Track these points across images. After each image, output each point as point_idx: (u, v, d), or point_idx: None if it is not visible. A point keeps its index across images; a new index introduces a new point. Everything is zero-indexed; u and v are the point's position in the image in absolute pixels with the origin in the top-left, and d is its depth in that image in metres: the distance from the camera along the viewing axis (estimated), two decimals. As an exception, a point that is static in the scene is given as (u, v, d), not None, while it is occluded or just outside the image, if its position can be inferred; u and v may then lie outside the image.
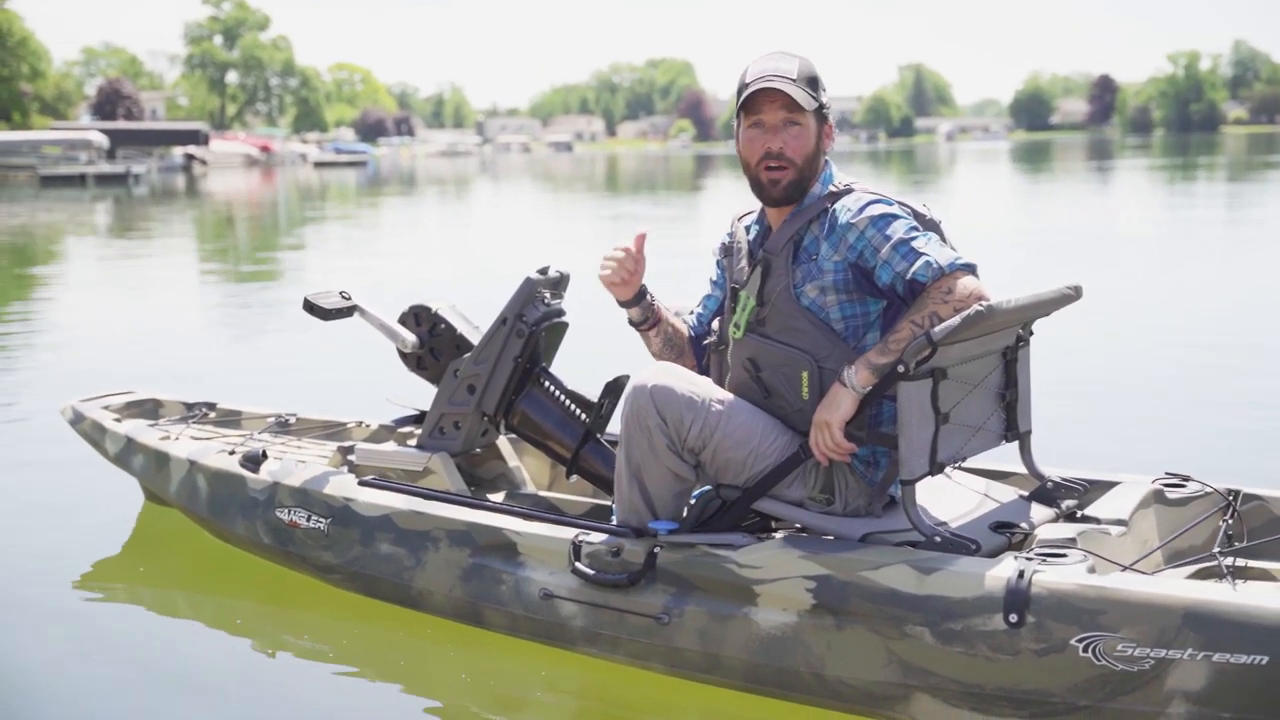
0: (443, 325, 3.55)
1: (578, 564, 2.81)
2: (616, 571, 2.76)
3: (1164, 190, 24.60)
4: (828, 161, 2.78)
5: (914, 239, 2.57)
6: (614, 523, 2.86)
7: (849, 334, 2.65)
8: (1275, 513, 2.86)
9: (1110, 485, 2.95)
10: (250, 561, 3.59)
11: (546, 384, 3.45)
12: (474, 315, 3.64)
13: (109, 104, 68.70)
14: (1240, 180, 27.31)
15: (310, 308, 3.48)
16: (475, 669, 2.97)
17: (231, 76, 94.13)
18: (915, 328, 2.50)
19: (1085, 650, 2.26)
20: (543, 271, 3.43)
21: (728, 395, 2.72)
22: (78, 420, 4.13)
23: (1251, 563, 2.76)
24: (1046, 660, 2.29)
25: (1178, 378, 6.28)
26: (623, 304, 2.98)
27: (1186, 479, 2.95)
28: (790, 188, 2.71)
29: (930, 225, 2.70)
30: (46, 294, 11.65)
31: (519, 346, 3.37)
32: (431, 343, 3.56)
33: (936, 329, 2.45)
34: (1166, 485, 2.92)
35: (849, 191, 2.70)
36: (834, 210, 2.67)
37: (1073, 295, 2.71)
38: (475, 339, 3.50)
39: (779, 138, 2.68)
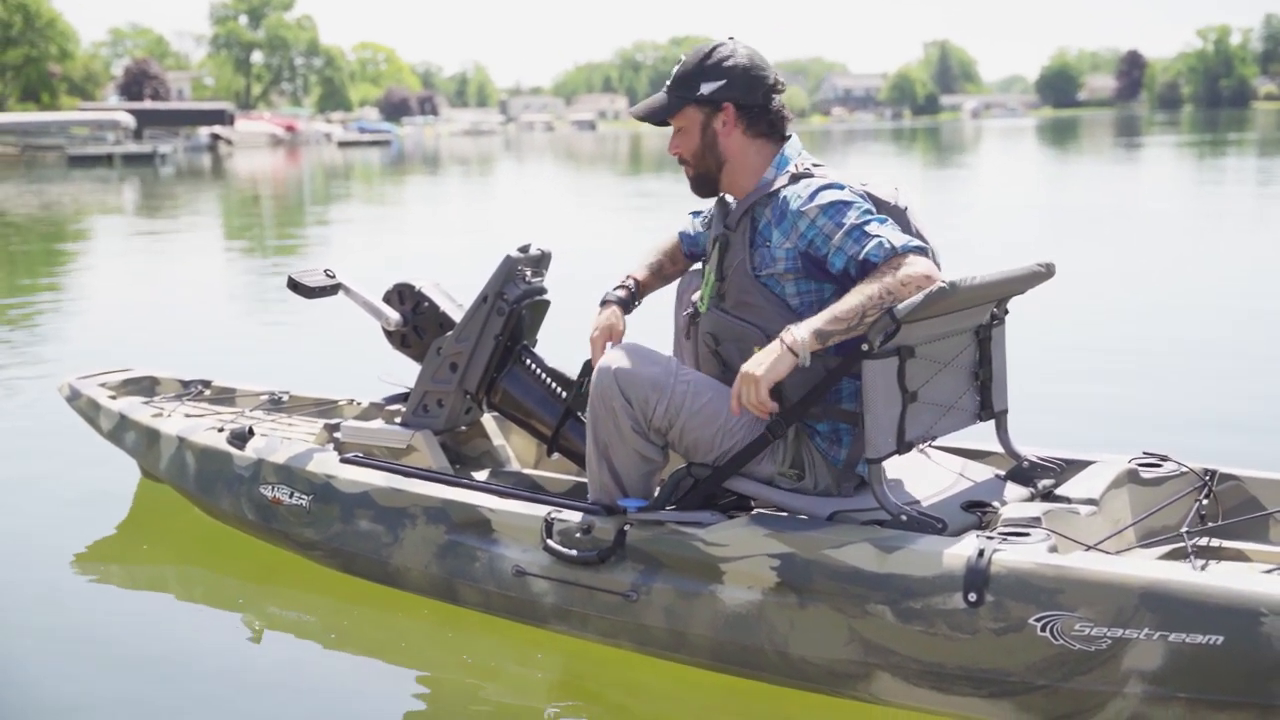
0: (426, 303, 3.55)
1: (549, 541, 2.82)
2: (587, 549, 2.76)
3: (1188, 167, 24.31)
4: (788, 138, 2.75)
5: (867, 223, 2.53)
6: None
7: (804, 309, 2.62)
8: (1251, 493, 2.83)
9: (1087, 464, 2.92)
10: (240, 538, 3.62)
11: (528, 362, 3.46)
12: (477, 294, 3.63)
13: (136, 84, 69.06)
14: (1269, 156, 26.95)
15: (294, 286, 3.49)
16: (450, 646, 2.99)
17: (257, 56, 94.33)
18: (866, 300, 2.44)
19: (1043, 629, 2.25)
20: (524, 249, 3.43)
21: (693, 374, 2.72)
22: (74, 397, 4.17)
23: (1226, 543, 2.73)
24: (1005, 639, 2.28)
25: (1165, 356, 6.20)
26: None
27: (1164, 458, 2.91)
28: (697, 182, 2.81)
29: (893, 211, 2.65)
30: (67, 271, 11.74)
31: (500, 324, 3.37)
32: (415, 320, 3.57)
33: (899, 306, 2.41)
34: (1142, 465, 2.89)
35: (805, 176, 2.67)
36: (785, 196, 2.65)
37: (1044, 272, 2.68)
38: (458, 317, 3.51)
39: (672, 143, 2.81)
